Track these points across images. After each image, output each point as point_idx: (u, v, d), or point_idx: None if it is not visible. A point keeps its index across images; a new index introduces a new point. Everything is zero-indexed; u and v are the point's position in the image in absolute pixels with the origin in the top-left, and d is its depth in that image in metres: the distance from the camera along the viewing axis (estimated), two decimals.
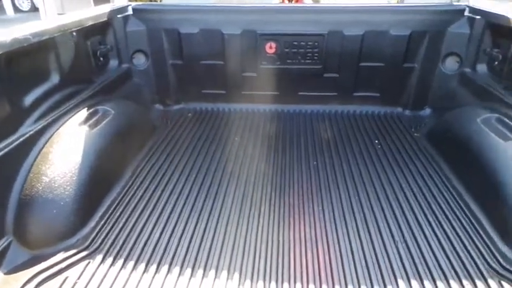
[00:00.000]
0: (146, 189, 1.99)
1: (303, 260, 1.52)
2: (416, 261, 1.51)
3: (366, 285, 1.41)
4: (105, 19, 2.45)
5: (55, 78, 1.99)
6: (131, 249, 1.59)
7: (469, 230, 1.67)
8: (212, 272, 1.47)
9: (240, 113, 2.95)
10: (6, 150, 1.55)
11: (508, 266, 1.46)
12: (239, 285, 1.42)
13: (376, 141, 2.49)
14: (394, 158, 2.27)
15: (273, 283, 1.42)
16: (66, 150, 1.76)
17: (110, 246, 1.60)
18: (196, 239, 1.65)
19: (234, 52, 2.74)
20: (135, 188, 1.99)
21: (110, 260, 1.53)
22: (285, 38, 2.68)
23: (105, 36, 2.56)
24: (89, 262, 1.52)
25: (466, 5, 2.55)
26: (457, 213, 1.78)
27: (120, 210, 1.82)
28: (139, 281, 1.43)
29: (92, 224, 1.70)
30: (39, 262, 1.48)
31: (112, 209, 1.82)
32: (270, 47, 2.72)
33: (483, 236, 1.63)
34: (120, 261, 1.52)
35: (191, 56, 2.78)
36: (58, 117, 1.90)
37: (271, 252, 1.56)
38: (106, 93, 2.38)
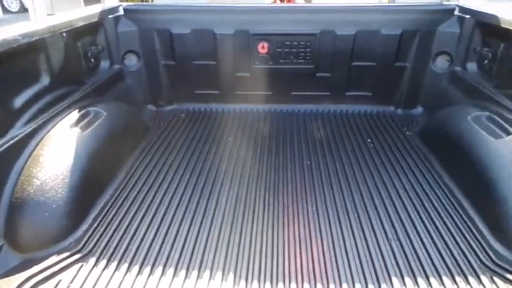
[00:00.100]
0: (139, 191, 1.97)
1: (298, 259, 1.53)
2: (410, 258, 1.52)
3: (360, 283, 1.41)
4: (96, 20, 2.43)
5: (45, 80, 1.97)
6: (125, 252, 1.57)
7: (461, 226, 1.69)
8: (207, 273, 1.46)
9: (233, 113, 2.95)
10: None
11: (499, 262, 1.48)
12: (234, 285, 1.42)
13: (369, 140, 2.50)
14: (386, 157, 2.29)
15: (268, 283, 1.42)
16: (57, 153, 1.74)
17: (103, 248, 1.59)
18: (191, 240, 1.64)
19: (227, 52, 2.73)
20: (128, 189, 1.98)
21: (103, 262, 1.52)
22: (277, 37, 2.68)
23: (96, 37, 2.54)
24: (82, 265, 1.50)
25: (455, 5, 2.57)
26: (449, 210, 1.80)
27: (113, 212, 1.80)
28: (133, 284, 1.42)
29: (84, 226, 1.69)
30: (31, 266, 1.46)
31: (105, 211, 1.80)
32: (263, 47, 2.72)
33: (475, 232, 1.65)
34: (114, 264, 1.51)
35: (183, 57, 2.77)
36: (49, 119, 1.88)
37: (266, 252, 1.56)
38: (97, 94, 2.36)
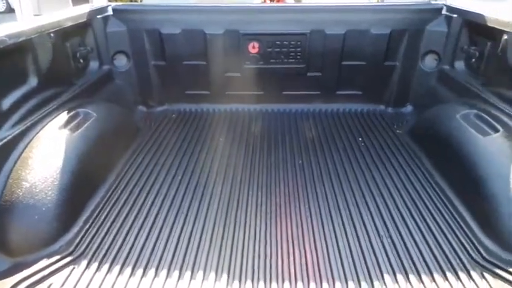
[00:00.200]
0: (131, 192, 1.96)
1: (291, 258, 1.53)
2: (401, 255, 1.54)
3: (353, 280, 1.42)
4: (85, 20, 2.40)
5: (33, 81, 1.94)
6: (117, 254, 1.56)
7: (451, 223, 1.71)
8: (200, 274, 1.46)
9: (224, 113, 2.95)
10: None
11: (489, 258, 1.50)
12: (227, 285, 1.41)
13: (360, 139, 2.52)
14: (377, 155, 2.31)
15: (261, 283, 1.42)
16: (46, 155, 1.72)
17: (95, 251, 1.57)
18: (183, 240, 1.63)
19: (217, 52, 2.73)
20: (120, 191, 1.96)
21: (95, 265, 1.50)
22: (267, 37, 2.69)
23: (84, 37, 2.51)
24: (73, 268, 1.48)
25: (443, 4, 2.61)
26: (440, 207, 1.82)
27: (105, 214, 1.79)
28: (125, 285, 1.41)
29: (75, 229, 1.67)
30: (22, 270, 1.43)
31: (96, 213, 1.79)
32: (253, 47, 2.72)
33: (465, 229, 1.67)
34: (106, 266, 1.49)
35: (174, 57, 2.76)
36: (37, 120, 1.85)
37: (259, 252, 1.56)
38: (87, 95, 2.33)
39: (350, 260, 1.52)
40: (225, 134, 2.61)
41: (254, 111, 2.96)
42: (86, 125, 1.99)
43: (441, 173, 2.06)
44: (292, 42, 2.69)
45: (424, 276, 1.43)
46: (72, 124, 1.96)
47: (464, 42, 2.48)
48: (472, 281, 1.41)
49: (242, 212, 1.81)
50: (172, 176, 2.10)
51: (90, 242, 1.62)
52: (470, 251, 1.55)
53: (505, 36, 2.00)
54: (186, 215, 1.79)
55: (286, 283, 1.41)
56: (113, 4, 2.70)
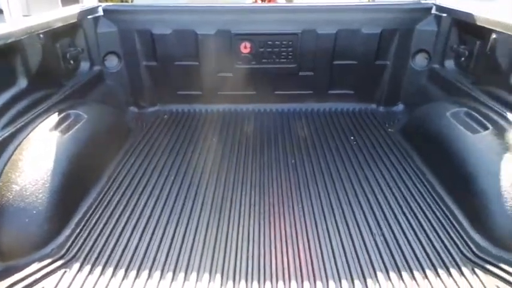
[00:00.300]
0: (123, 194, 1.94)
1: (285, 257, 1.53)
2: (394, 252, 1.55)
3: (347, 279, 1.43)
4: (75, 20, 2.38)
5: (23, 83, 1.91)
6: (110, 256, 1.55)
7: (442, 220, 1.73)
8: (193, 275, 1.45)
9: (216, 113, 2.94)
10: None
11: (480, 254, 1.52)
12: (221, 286, 1.41)
13: (352, 138, 2.54)
14: (369, 154, 2.33)
15: (255, 283, 1.42)
16: (37, 157, 1.70)
17: (87, 253, 1.56)
18: (177, 241, 1.63)
19: (209, 52, 2.72)
20: (112, 192, 1.95)
21: (87, 268, 1.49)
22: (259, 37, 2.69)
23: (74, 38, 2.49)
24: (65, 271, 1.47)
25: (433, 3, 2.64)
26: (431, 204, 1.84)
27: (97, 216, 1.77)
28: None
29: (67, 231, 1.65)
30: (13, 273, 1.42)
31: (88, 215, 1.77)
32: (245, 47, 2.72)
33: (456, 226, 1.69)
34: (99, 269, 1.48)
35: (165, 57, 2.74)
36: (27, 122, 1.83)
37: (253, 252, 1.56)
38: (78, 96, 2.31)
39: (343, 258, 1.53)
40: (217, 135, 2.61)
41: (246, 111, 2.96)
42: (76, 127, 1.97)
43: (432, 171, 2.08)
44: (284, 42, 2.70)
45: (416, 273, 1.45)
46: (62, 126, 1.94)
47: (453, 41, 2.51)
48: (463, 277, 1.43)
49: (235, 212, 1.81)
50: (164, 177, 2.09)
51: (82, 244, 1.60)
52: (462, 248, 1.57)
53: (494, 35, 2.03)
54: (179, 216, 1.79)
55: (280, 283, 1.42)
56: (104, 4, 2.68)
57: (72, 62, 2.39)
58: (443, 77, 2.53)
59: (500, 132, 1.78)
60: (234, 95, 2.95)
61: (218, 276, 1.45)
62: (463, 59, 2.39)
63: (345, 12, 2.66)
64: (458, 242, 1.60)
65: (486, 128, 1.84)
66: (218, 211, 1.82)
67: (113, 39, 2.67)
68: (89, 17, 2.55)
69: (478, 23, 2.14)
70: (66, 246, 1.57)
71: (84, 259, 1.53)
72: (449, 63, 2.58)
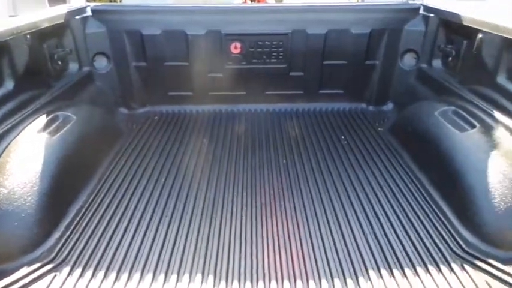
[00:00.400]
0: (114, 196, 1.93)
1: (277, 257, 1.54)
2: (385, 250, 1.57)
3: (339, 277, 1.44)
4: (62, 21, 2.34)
5: (9, 84, 1.89)
6: (100, 259, 1.53)
7: (432, 217, 1.76)
8: (186, 276, 1.45)
9: (207, 114, 2.93)
10: None
11: (469, 250, 1.55)
12: (214, 286, 1.41)
13: (343, 137, 2.55)
14: (360, 153, 2.34)
15: (248, 283, 1.42)
16: (25, 159, 1.67)
17: (78, 257, 1.54)
18: (169, 243, 1.62)
19: (199, 53, 2.71)
20: (102, 194, 1.93)
21: (78, 271, 1.47)
22: (249, 37, 2.69)
23: (62, 38, 2.45)
24: (55, 275, 1.45)
25: (420, 4, 2.67)
26: (421, 202, 1.87)
27: (87, 218, 1.75)
28: None
29: (56, 235, 1.63)
30: (1, 278, 1.39)
31: (78, 218, 1.75)
32: (235, 47, 2.72)
33: (445, 223, 1.71)
34: (90, 272, 1.46)
35: (155, 58, 2.73)
36: (15, 124, 1.80)
37: (245, 252, 1.56)
38: (66, 98, 2.28)
39: (335, 257, 1.54)
40: (208, 135, 2.60)
41: (237, 111, 2.96)
42: (65, 128, 1.95)
43: (421, 169, 2.10)
44: (274, 42, 2.71)
45: (407, 270, 1.47)
46: (51, 127, 1.92)
47: (441, 41, 2.55)
48: (453, 273, 1.45)
49: (227, 212, 1.81)
50: (155, 179, 2.08)
51: (72, 247, 1.58)
52: (451, 244, 1.59)
53: (480, 35, 2.07)
54: (171, 217, 1.78)
55: (273, 282, 1.42)
56: (92, 4, 2.65)
57: (60, 62, 2.36)
58: (431, 76, 2.57)
59: (487, 130, 1.81)
60: (224, 95, 2.94)
61: (211, 277, 1.44)
62: (450, 58, 2.42)
63: (334, 13, 2.68)
64: (447, 239, 1.62)
65: (473, 126, 1.88)
66: (210, 212, 1.81)
67: (102, 39, 2.65)
68: (77, 17, 2.52)
69: (465, 23, 2.17)
70: (56, 250, 1.55)
71: (75, 262, 1.51)
72: (437, 63, 2.61)
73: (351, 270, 1.47)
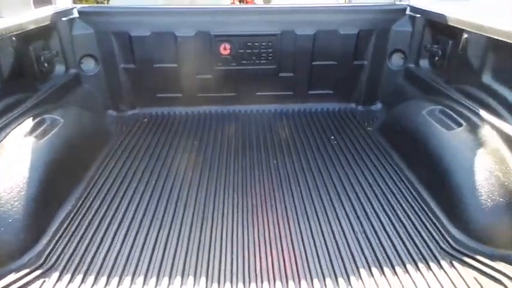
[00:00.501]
0: (103, 199, 1.90)
1: (269, 258, 1.54)
2: (376, 249, 1.58)
3: (330, 277, 1.45)
4: (48, 22, 2.31)
5: None
6: (90, 263, 1.51)
7: (421, 215, 1.78)
8: (178, 279, 1.44)
9: (197, 115, 2.92)
10: None
11: (457, 247, 1.57)
12: None
13: (332, 137, 2.57)
14: (349, 152, 2.36)
15: (240, 284, 1.42)
16: (11, 164, 1.64)
17: (67, 262, 1.52)
18: (160, 246, 1.61)
19: (188, 54, 2.70)
20: (92, 198, 1.91)
21: (67, 276, 1.45)
22: (239, 39, 2.69)
23: (49, 40, 2.42)
24: (44, 281, 1.43)
25: (407, 4, 2.71)
26: (410, 201, 1.89)
27: (76, 223, 1.73)
28: None
29: (45, 240, 1.60)
30: None
31: (67, 222, 1.72)
32: (224, 48, 2.71)
33: (434, 220, 1.74)
34: (79, 277, 1.44)
35: (144, 60, 2.71)
36: (0, 128, 1.77)
37: (237, 254, 1.56)
38: (53, 101, 2.25)
39: (327, 256, 1.55)
40: (198, 137, 2.59)
41: (227, 113, 2.96)
42: (53, 132, 1.92)
43: (410, 167, 2.13)
44: (264, 43, 2.71)
45: (397, 268, 1.48)
46: (38, 131, 1.89)
47: (427, 41, 2.58)
48: (442, 270, 1.47)
49: (218, 214, 1.81)
50: (145, 181, 2.06)
51: (61, 253, 1.56)
52: (440, 242, 1.62)
53: (465, 35, 2.10)
54: (162, 220, 1.77)
55: (265, 283, 1.42)
56: (79, 6, 2.61)
57: (46, 65, 2.33)
58: (419, 76, 2.60)
59: (473, 128, 1.85)
60: (214, 97, 2.94)
61: (203, 279, 1.44)
62: (436, 58, 2.46)
63: (322, 13, 2.70)
64: (436, 236, 1.65)
65: (460, 125, 1.91)
66: (201, 214, 1.81)
67: (89, 41, 2.62)
68: (64, 19, 2.48)
69: (450, 23, 2.21)
70: (45, 255, 1.53)
71: (64, 268, 1.49)
72: (424, 63, 2.65)
73: (342, 269, 1.48)
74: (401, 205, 1.86)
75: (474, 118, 1.91)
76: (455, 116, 1.99)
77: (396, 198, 1.91)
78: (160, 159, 2.30)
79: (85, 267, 1.49)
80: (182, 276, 1.45)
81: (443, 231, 1.66)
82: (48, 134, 1.90)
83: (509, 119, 1.75)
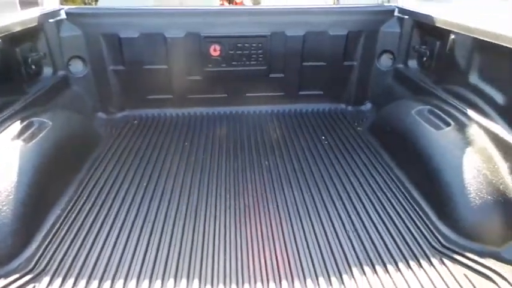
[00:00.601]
0: (94, 203, 1.88)
1: (262, 259, 1.54)
2: (367, 247, 1.60)
3: (323, 275, 1.46)
4: (35, 24, 2.28)
5: None
6: (82, 267, 1.49)
7: (411, 214, 1.80)
8: (171, 282, 1.43)
9: (188, 117, 2.91)
10: None
11: (447, 244, 1.60)
12: None
13: (323, 137, 2.59)
14: (340, 152, 2.38)
15: (234, 285, 1.42)
16: None
17: (58, 266, 1.50)
18: (152, 249, 1.60)
19: (178, 56, 2.69)
20: (82, 202, 1.88)
21: (58, 281, 1.43)
22: (229, 40, 2.69)
23: (36, 42, 2.39)
24: (34, 286, 1.40)
25: (395, 6, 2.74)
26: (400, 199, 1.91)
27: (67, 227, 1.71)
28: None
29: (34, 245, 1.58)
30: None
31: (57, 226, 1.70)
32: (215, 50, 2.71)
33: (424, 218, 1.76)
34: (71, 281, 1.42)
35: (133, 61, 2.69)
36: None
37: (230, 255, 1.56)
38: (41, 103, 2.22)
39: (319, 255, 1.55)
40: (190, 138, 2.58)
41: (218, 114, 2.96)
42: (41, 135, 1.89)
43: (400, 166, 2.16)
44: (254, 44, 2.72)
45: (389, 266, 1.50)
46: (26, 134, 1.86)
47: (416, 42, 2.62)
48: (433, 268, 1.49)
49: (211, 215, 1.80)
50: (137, 184, 2.05)
51: (51, 257, 1.54)
52: (430, 240, 1.64)
53: (452, 36, 2.14)
54: (154, 223, 1.75)
55: (259, 283, 1.42)
56: (66, 7, 2.58)
57: (34, 67, 2.29)
58: (407, 76, 2.64)
59: (461, 128, 1.88)
60: (204, 98, 2.93)
61: (196, 281, 1.43)
62: (425, 58, 2.50)
63: (312, 15, 2.72)
64: (426, 234, 1.67)
65: (448, 124, 1.94)
66: (193, 215, 1.80)
67: (78, 43, 2.59)
68: (51, 20, 2.45)
69: (437, 25, 2.25)
70: (34, 260, 1.50)
71: (55, 272, 1.47)
72: (413, 63, 2.69)
73: (335, 268, 1.50)
74: (392, 204, 1.88)
75: (462, 118, 1.95)
76: (443, 115, 2.02)
77: (387, 197, 1.93)
78: (151, 161, 2.28)
79: (76, 271, 1.47)
80: (175, 278, 1.44)
81: (433, 229, 1.69)
82: (36, 137, 1.87)
83: (496, 118, 1.79)
